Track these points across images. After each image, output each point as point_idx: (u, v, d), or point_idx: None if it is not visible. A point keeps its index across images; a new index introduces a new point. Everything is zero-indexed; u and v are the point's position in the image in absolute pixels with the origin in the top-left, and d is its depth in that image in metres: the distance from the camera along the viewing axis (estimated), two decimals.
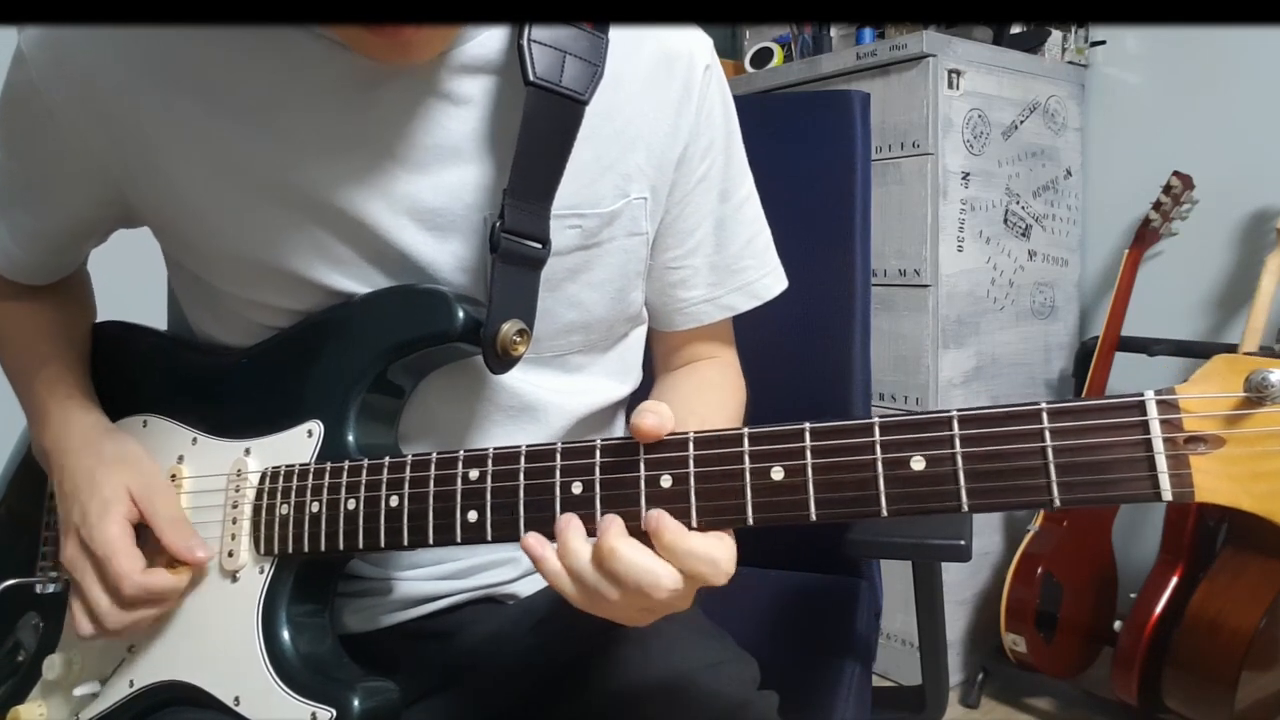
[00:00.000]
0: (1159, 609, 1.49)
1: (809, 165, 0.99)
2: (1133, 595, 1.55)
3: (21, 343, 0.70)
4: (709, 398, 0.71)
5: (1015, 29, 1.78)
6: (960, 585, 1.77)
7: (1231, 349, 1.51)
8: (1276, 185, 1.66)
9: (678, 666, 0.61)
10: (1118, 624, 1.56)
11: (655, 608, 0.49)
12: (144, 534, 0.59)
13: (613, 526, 0.48)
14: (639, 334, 0.74)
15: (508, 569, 0.68)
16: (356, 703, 0.54)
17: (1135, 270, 1.67)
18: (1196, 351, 1.68)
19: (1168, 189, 1.63)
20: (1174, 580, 1.50)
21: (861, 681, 0.81)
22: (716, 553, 0.47)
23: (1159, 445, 0.39)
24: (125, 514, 0.58)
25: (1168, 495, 0.39)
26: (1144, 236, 1.67)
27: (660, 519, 0.47)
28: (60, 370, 0.68)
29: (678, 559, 0.46)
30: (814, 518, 0.45)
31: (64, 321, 0.72)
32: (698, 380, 0.74)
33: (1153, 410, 0.39)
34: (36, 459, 0.68)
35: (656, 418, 0.48)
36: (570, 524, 0.49)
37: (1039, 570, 1.62)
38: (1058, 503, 0.40)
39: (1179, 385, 0.39)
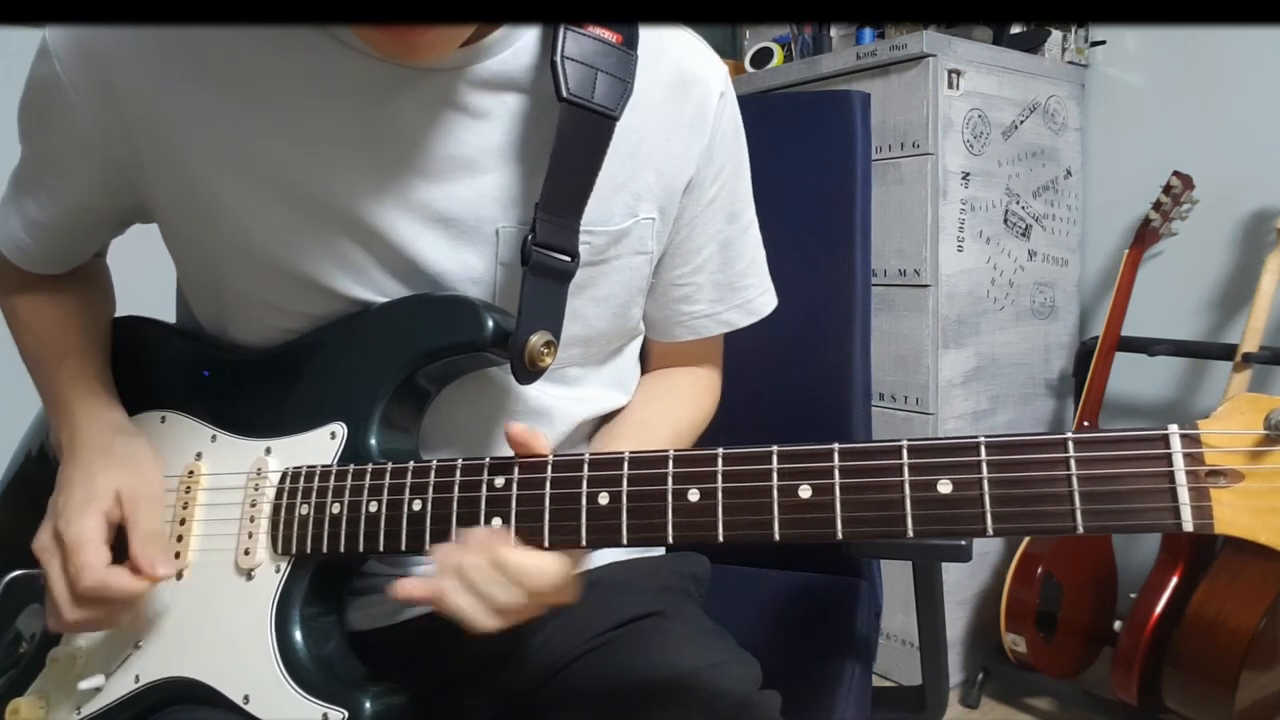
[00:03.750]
0: (1159, 609, 1.49)
1: (809, 165, 0.99)
2: (1133, 595, 1.55)
3: (43, 334, 0.71)
4: (666, 404, 0.74)
5: (1015, 29, 1.78)
6: (960, 585, 1.77)
7: (1231, 349, 1.52)
8: (1276, 185, 1.66)
9: (680, 666, 0.61)
10: (1118, 624, 1.57)
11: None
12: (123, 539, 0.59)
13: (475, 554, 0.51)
14: (634, 346, 0.75)
15: None
16: (368, 704, 0.54)
17: (1135, 270, 1.67)
18: (1196, 351, 1.68)
19: (1168, 189, 1.63)
20: (1174, 580, 1.50)
21: (861, 681, 0.81)
22: (539, 566, 0.51)
23: (1181, 477, 0.40)
24: (105, 511, 0.58)
25: (1189, 526, 0.40)
26: (1144, 236, 1.67)
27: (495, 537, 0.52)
28: (82, 364, 0.68)
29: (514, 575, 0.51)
30: (840, 536, 0.45)
31: (86, 314, 0.72)
32: (665, 387, 0.76)
33: (1176, 444, 0.40)
34: (53, 449, 0.69)
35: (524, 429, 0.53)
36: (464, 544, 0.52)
37: (1039, 570, 1.62)
38: (1081, 529, 0.41)
39: (1201, 421, 0.41)
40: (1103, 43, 1.91)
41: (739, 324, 0.76)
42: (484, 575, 0.51)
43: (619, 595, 0.69)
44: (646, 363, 0.78)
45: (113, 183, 0.63)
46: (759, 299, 0.76)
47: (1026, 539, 1.66)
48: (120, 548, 0.59)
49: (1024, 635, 1.62)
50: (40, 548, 0.59)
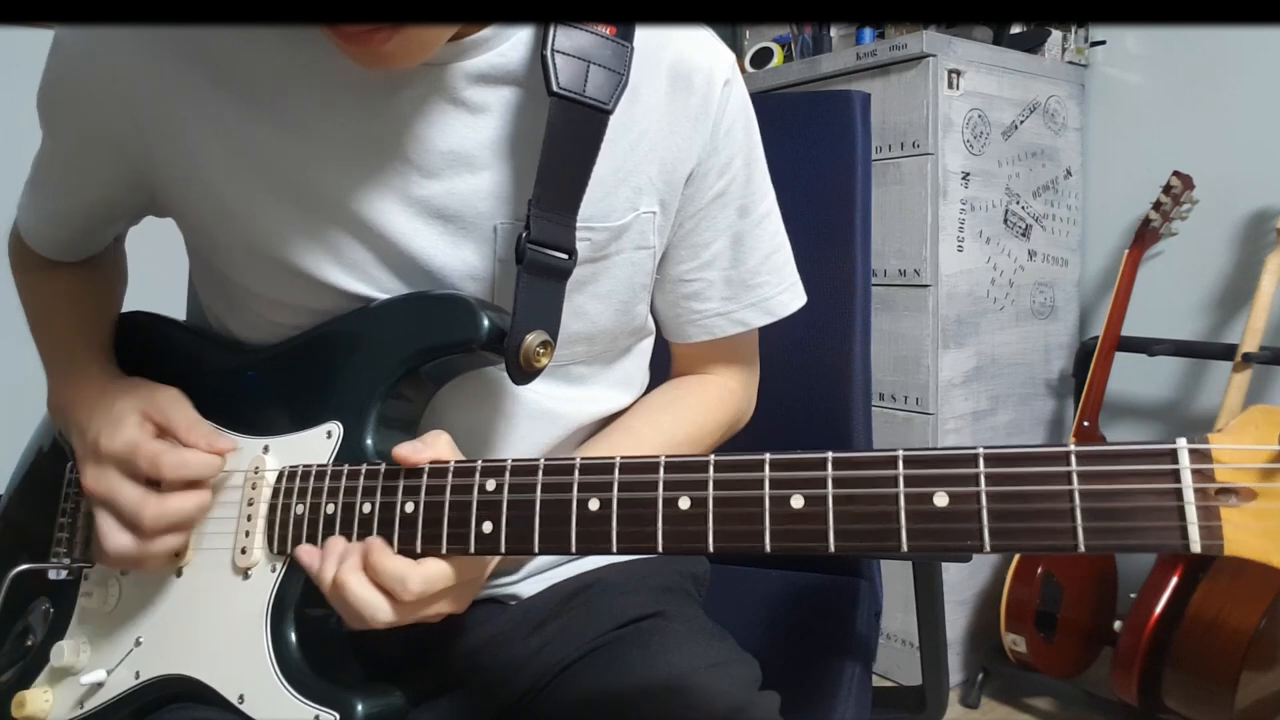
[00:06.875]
0: (1159, 609, 1.49)
1: (809, 165, 0.99)
2: (1133, 595, 1.55)
3: (49, 309, 0.72)
4: (659, 417, 0.71)
5: (1015, 29, 1.78)
6: (960, 585, 1.77)
7: (1231, 349, 1.52)
8: (1276, 185, 1.66)
9: (679, 666, 0.61)
10: (1118, 624, 1.57)
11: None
12: None
13: (350, 559, 0.52)
14: (644, 346, 0.74)
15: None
16: (360, 708, 0.54)
17: (1135, 270, 1.67)
18: (1196, 351, 1.68)
19: (1168, 189, 1.64)
20: (1174, 580, 1.50)
21: (861, 681, 0.81)
22: (406, 571, 0.51)
23: (1189, 495, 0.37)
24: (139, 424, 0.59)
25: (1196, 547, 0.37)
26: (1144, 236, 1.67)
27: (370, 543, 0.52)
28: (84, 335, 0.69)
29: (380, 579, 0.51)
30: (832, 549, 0.44)
31: (93, 292, 0.74)
32: (669, 398, 0.74)
33: (1184, 459, 0.38)
34: (52, 416, 0.69)
35: (410, 450, 0.53)
36: (330, 551, 0.54)
37: (1039, 570, 1.62)
38: (1082, 548, 0.39)
39: (1211, 435, 0.38)
40: (1103, 43, 1.91)
41: (755, 324, 0.73)
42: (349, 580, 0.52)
43: (619, 596, 0.69)
44: (672, 371, 0.76)
45: (126, 177, 0.63)
46: (777, 297, 0.73)
47: None
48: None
49: (1024, 635, 1.62)
50: (92, 483, 0.58)
